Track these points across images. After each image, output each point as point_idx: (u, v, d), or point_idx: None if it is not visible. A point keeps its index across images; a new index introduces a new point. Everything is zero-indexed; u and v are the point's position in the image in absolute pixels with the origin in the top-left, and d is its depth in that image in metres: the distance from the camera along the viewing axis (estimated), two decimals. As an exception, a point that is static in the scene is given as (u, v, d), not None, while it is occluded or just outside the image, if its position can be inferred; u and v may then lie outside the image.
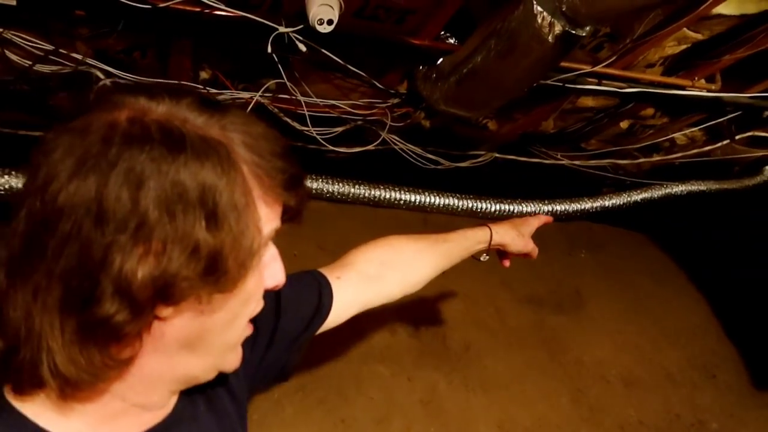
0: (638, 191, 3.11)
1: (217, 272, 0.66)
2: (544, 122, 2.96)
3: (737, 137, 3.03)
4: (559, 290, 2.34)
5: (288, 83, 2.29)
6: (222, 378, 0.88)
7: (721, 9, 2.11)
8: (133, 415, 0.77)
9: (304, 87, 2.42)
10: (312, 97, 2.45)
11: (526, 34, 1.87)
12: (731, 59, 2.34)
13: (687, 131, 3.13)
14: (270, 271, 0.79)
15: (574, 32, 1.82)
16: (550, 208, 2.93)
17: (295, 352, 1.11)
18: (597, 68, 2.29)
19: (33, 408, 0.71)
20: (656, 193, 3.09)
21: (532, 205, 2.90)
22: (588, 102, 2.73)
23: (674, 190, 3.13)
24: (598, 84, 2.46)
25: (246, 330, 0.81)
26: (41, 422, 0.70)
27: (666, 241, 3.04)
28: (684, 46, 2.39)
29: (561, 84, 2.31)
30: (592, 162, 3.28)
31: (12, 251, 0.64)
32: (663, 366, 2.26)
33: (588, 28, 1.82)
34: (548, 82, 2.25)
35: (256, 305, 0.80)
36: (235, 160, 0.66)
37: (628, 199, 3.04)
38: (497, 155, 3.17)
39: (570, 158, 3.25)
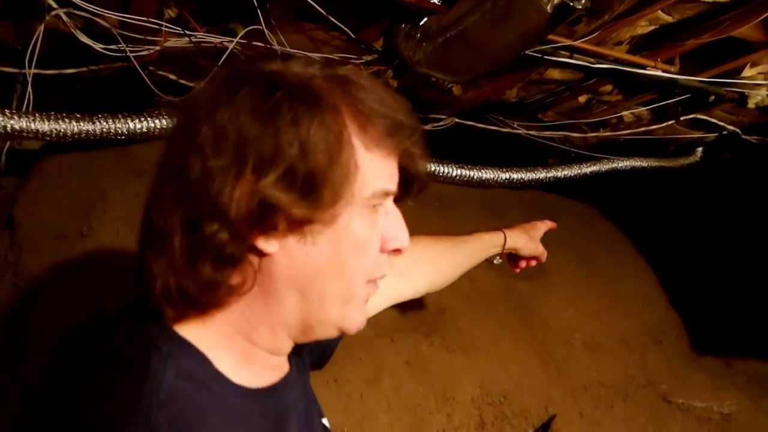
0: (587, 164, 3.23)
1: (311, 195, 0.71)
2: (508, 91, 2.99)
3: (682, 118, 3.19)
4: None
5: (266, 31, 2.17)
6: (299, 348, 0.93)
7: (696, -6, 2.18)
8: (264, 360, 0.84)
9: (279, 36, 2.30)
10: (286, 47, 2.34)
11: (524, 2, 1.86)
12: (695, 44, 2.44)
13: (635, 110, 3.27)
14: (390, 231, 0.82)
15: (572, 4, 1.83)
16: (508, 176, 3.00)
17: (334, 341, 1.14)
18: (578, 42, 2.32)
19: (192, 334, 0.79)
20: (603, 166, 3.23)
21: (490, 172, 2.95)
22: (555, 74, 2.78)
23: (619, 164, 3.28)
24: (570, 57, 2.50)
25: (368, 288, 0.83)
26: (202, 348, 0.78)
27: (613, 214, 3.18)
28: (653, 27, 2.47)
29: (540, 55, 2.32)
30: (546, 133, 3.36)
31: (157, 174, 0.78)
32: (619, 331, 2.41)
33: (584, 1, 1.84)
34: (528, 51, 2.26)
35: (376, 265, 0.81)
36: (331, 98, 0.74)
37: (579, 171, 3.16)
38: (457, 120, 3.18)
39: (526, 128, 3.32)
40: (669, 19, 2.41)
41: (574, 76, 2.77)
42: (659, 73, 2.65)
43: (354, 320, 0.84)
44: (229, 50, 2.22)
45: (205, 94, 0.77)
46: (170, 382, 0.72)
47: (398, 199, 0.86)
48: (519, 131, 3.29)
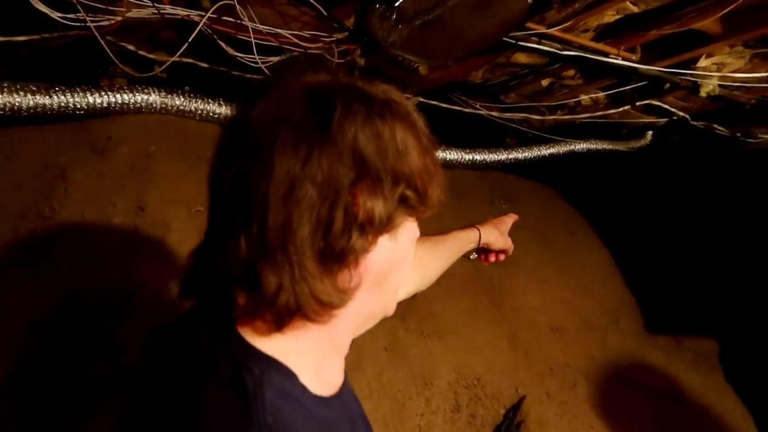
0: (546, 146, 3.29)
1: (426, 197, 0.79)
2: (475, 72, 3.00)
3: (637, 104, 3.29)
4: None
5: (237, 5, 2.09)
6: None
7: (664, -13, 2.23)
8: (332, 365, 0.86)
9: (249, 11, 2.22)
10: (256, 23, 2.27)
11: (506, -9, 1.86)
12: (657, 34, 2.51)
13: (593, 94, 3.34)
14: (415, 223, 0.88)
15: (551, -5, 1.84)
16: (471, 157, 3.02)
17: None
18: (552, 30, 2.34)
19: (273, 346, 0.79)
20: (561, 149, 3.29)
21: (455, 153, 2.96)
22: (521, 58, 2.80)
23: (576, 147, 3.35)
24: (539, 43, 2.52)
25: (404, 278, 0.89)
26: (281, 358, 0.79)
27: (571, 196, 3.27)
28: (619, 16, 2.52)
29: (514, 41, 2.33)
30: (507, 114, 3.40)
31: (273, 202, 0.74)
32: (580, 313, 2.50)
33: (563, -8, 1.85)
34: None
35: (412, 254, 0.88)
36: (409, 112, 0.81)
37: (538, 153, 3.21)
38: (422, 99, 3.17)
39: (488, 109, 3.35)
40: (635, 9, 2.46)
41: (540, 60, 2.79)
42: (621, 61, 2.71)
43: (394, 307, 0.91)
44: (199, 26, 2.13)
45: (295, 112, 0.76)
46: (271, 403, 0.74)
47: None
48: (481, 112, 3.31)
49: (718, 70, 2.95)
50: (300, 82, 0.80)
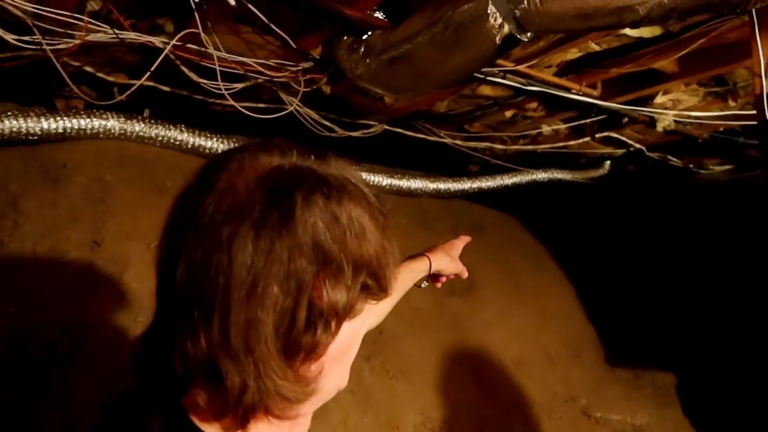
0: (509, 175, 3.32)
1: (385, 284, 0.79)
2: (440, 102, 3.02)
3: (597, 136, 3.37)
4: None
5: (203, 33, 2.05)
6: None
7: (625, 30, 2.29)
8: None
9: (214, 38, 2.18)
10: (221, 50, 2.23)
11: (475, 31, 1.87)
12: (617, 72, 2.57)
13: (554, 126, 3.41)
14: None
15: (518, 36, 1.86)
16: (435, 186, 3.03)
17: None
18: (520, 68, 2.37)
19: None
20: (524, 178, 3.33)
21: (419, 182, 2.96)
22: (486, 91, 2.83)
23: (538, 176, 3.40)
24: (504, 78, 2.55)
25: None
26: None
27: (535, 227, 3.31)
28: (581, 54, 2.57)
29: (483, 76, 2.36)
30: (471, 143, 3.43)
31: (225, 295, 0.71)
32: (543, 347, 2.51)
33: (530, 35, 1.88)
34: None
35: (367, 322, 0.93)
36: (363, 192, 0.79)
37: (501, 182, 3.24)
38: (387, 127, 3.18)
39: (452, 137, 3.37)
40: (597, 48, 2.52)
41: (504, 93, 2.83)
42: (583, 97, 2.77)
43: (346, 381, 0.88)
44: (163, 54, 2.07)
45: (254, 208, 0.73)
46: None
47: None
48: (445, 140, 3.34)
49: (673, 107, 3.04)
50: (254, 167, 0.76)
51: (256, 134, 3.00)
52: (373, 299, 0.81)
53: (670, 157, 3.90)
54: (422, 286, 1.55)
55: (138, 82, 2.16)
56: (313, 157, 0.79)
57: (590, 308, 2.92)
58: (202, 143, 2.45)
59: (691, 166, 4.02)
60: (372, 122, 3.13)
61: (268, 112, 2.64)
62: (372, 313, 1.36)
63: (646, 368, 2.79)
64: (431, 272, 1.53)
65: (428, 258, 1.52)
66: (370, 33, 2.17)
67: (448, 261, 1.55)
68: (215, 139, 2.50)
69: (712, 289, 3.50)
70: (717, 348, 3.10)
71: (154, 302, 0.78)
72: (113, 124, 2.25)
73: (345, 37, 2.24)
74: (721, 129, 3.38)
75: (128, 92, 2.14)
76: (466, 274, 1.60)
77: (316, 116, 2.79)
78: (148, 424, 0.77)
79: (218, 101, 2.75)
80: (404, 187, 2.89)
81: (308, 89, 2.55)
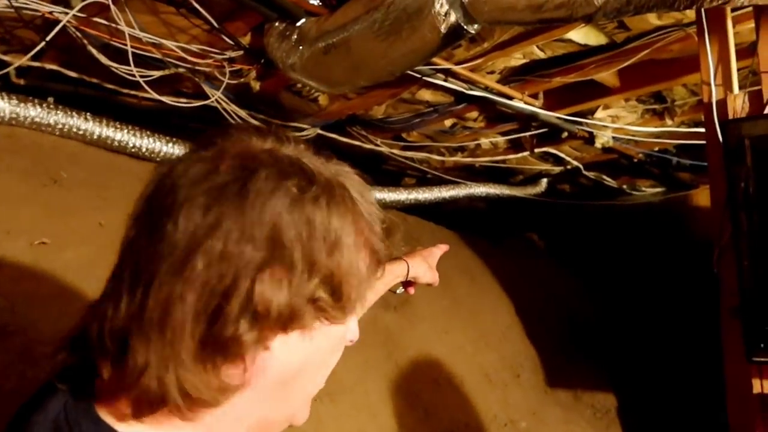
0: (446, 188, 3.23)
1: (342, 298, 0.71)
2: (377, 106, 2.89)
3: (535, 150, 3.32)
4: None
5: (113, 6, 1.81)
6: None
7: (571, 34, 2.23)
8: None
9: (129, 15, 1.95)
10: (135, 28, 1.99)
11: (418, 18, 1.74)
12: (560, 81, 2.51)
13: (493, 138, 3.34)
14: (353, 324, 0.80)
15: (465, 27, 1.74)
16: (370, 196, 2.86)
17: None
18: (459, 68, 2.26)
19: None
20: (461, 191, 3.24)
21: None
22: (426, 95, 2.72)
23: (476, 190, 3.32)
24: (446, 80, 2.45)
25: (322, 384, 0.80)
26: None
27: (473, 242, 3.21)
28: (525, 60, 2.50)
29: (419, 75, 2.23)
30: (408, 153, 3.32)
31: (154, 262, 0.68)
32: (482, 367, 2.38)
33: (477, 26, 1.76)
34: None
35: (337, 358, 0.80)
36: (355, 201, 0.73)
37: (438, 194, 3.14)
38: (320, 131, 3.02)
39: (389, 146, 3.25)
40: (541, 55, 2.45)
41: (445, 99, 2.73)
42: (524, 105, 2.70)
43: (305, 417, 0.82)
44: (62, 23, 1.82)
45: (241, 169, 0.70)
46: None
47: None
48: (382, 149, 3.21)
49: (612, 122, 3.03)
50: (242, 145, 0.73)
51: (175, 132, 2.75)
52: (325, 318, 0.73)
53: (605, 176, 3.93)
54: (397, 292, 1.47)
55: (28, 56, 1.89)
56: (311, 152, 0.76)
57: (529, 326, 2.84)
58: (111, 134, 2.18)
59: (625, 186, 4.06)
60: (304, 125, 2.97)
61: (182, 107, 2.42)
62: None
63: (586, 389, 2.71)
64: (408, 278, 1.44)
65: (407, 263, 1.43)
66: (304, 19, 2.00)
67: (425, 268, 1.48)
68: (126, 130, 2.24)
69: (651, 308, 3.50)
70: (658, 367, 3.07)
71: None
72: (3, 106, 1.96)
73: (276, 23, 2.06)
74: (656, 149, 3.42)
75: (15, 65, 1.86)
76: (437, 282, 1.53)
77: (243, 113, 2.59)
78: (47, 404, 0.73)
79: (133, 92, 2.52)
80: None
81: (235, 81, 2.35)
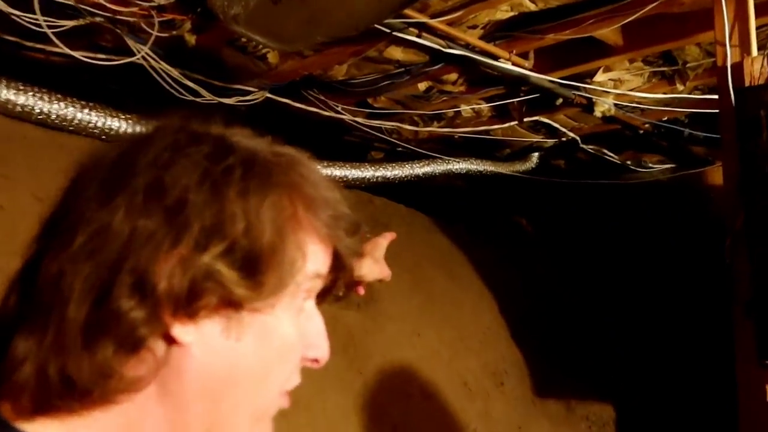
0: (420, 164, 3.27)
1: (255, 276, 0.72)
2: (338, 66, 2.90)
3: (525, 119, 3.37)
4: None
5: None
6: None
7: (566, -18, 2.27)
8: None
9: (33, -48, 1.93)
10: (41, -30, 1.97)
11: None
12: (554, 39, 2.56)
13: (476, 105, 3.38)
14: (312, 337, 0.82)
15: (441, -27, 1.77)
16: (330, 173, 2.92)
17: None
18: (435, 22, 2.29)
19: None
20: (438, 168, 3.28)
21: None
22: (396, 54, 2.75)
23: (454, 166, 3.37)
24: (419, 36, 2.47)
25: (281, 402, 0.81)
26: None
27: (451, 228, 3.26)
28: (513, 13, 2.53)
29: (389, 30, 2.26)
30: (375, 122, 3.34)
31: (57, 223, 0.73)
32: (460, 374, 2.44)
33: (456, -27, 1.79)
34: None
35: (293, 374, 0.81)
36: (284, 176, 0.77)
37: (411, 171, 3.18)
38: (270, 95, 3.02)
39: (351, 113, 3.26)
40: (532, 6, 2.49)
41: (419, 58, 2.76)
42: (512, 67, 2.74)
43: None
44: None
45: (142, 142, 0.77)
46: None
47: (319, 301, 0.88)
48: (344, 116, 3.22)
49: (614, 87, 3.09)
50: (173, 125, 0.80)
51: (95, 95, 2.73)
52: (237, 302, 0.74)
53: (606, 151, 4.01)
54: (340, 294, 1.47)
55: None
56: (256, 136, 0.82)
57: (515, 327, 2.91)
58: (12, 98, 2.17)
59: (629, 162, 4.15)
60: (251, 88, 2.97)
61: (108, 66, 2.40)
62: None
63: (580, 399, 2.79)
64: (350, 279, 1.46)
65: None
66: (250, -38, 2.00)
67: (370, 264, 1.49)
68: (31, 93, 2.23)
69: (656, 305, 3.60)
70: (662, 374, 3.17)
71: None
72: None
73: (216, -35, 2.05)
74: (665, 118, 3.50)
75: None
76: (389, 277, 1.54)
77: (175, 73, 2.58)
78: None
79: (39, 46, 2.49)
80: (330, 177, 2.73)
81: (165, 34, 2.36)
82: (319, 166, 2.76)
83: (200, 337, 0.74)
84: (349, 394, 2.13)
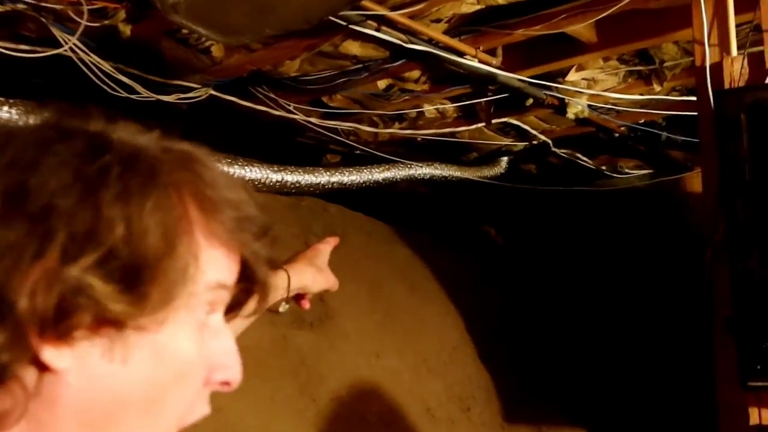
0: (380, 168, 3.28)
1: (136, 289, 0.69)
2: (289, 61, 2.88)
3: (493, 121, 3.40)
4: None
5: None
6: None
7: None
8: None
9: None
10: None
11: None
12: (524, 35, 2.58)
13: (441, 105, 3.40)
14: (219, 358, 0.78)
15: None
16: (281, 178, 2.90)
17: None
18: (395, 14, 2.30)
19: None
20: (399, 173, 3.29)
21: (258, 171, 2.81)
22: (353, 48, 2.75)
23: (417, 171, 3.39)
24: (378, 30, 2.47)
25: None
26: None
27: (413, 237, 3.26)
28: (480, 6, 2.55)
29: (345, 23, 2.25)
30: (330, 122, 3.33)
31: None
32: (423, 399, 2.44)
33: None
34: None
35: (196, 402, 0.77)
36: (171, 175, 0.74)
37: (370, 176, 3.18)
38: (214, 92, 2.99)
39: (305, 112, 3.25)
40: (500, 0, 2.50)
41: (378, 53, 2.76)
42: (479, 64, 2.76)
43: None
44: None
45: (2, 140, 0.73)
46: None
47: (228, 313, 0.84)
48: (296, 116, 3.21)
49: (588, 87, 3.13)
50: (53, 121, 0.76)
51: (16, 90, 2.67)
52: (118, 320, 0.70)
53: (579, 155, 4.06)
54: (281, 310, 1.45)
55: None
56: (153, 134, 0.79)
57: (483, 345, 2.91)
58: None
59: (604, 168, 4.21)
60: (193, 84, 2.94)
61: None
62: None
63: (552, 424, 2.80)
64: (291, 291, 1.42)
65: (286, 272, 1.42)
66: (191, -55, 1.98)
67: (313, 273, 1.47)
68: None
69: (634, 321, 3.65)
70: (640, 396, 3.20)
71: None
72: None
73: (153, -52, 2.03)
74: (642, 121, 3.56)
75: None
76: (336, 286, 1.52)
77: (107, 67, 2.54)
78: None
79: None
80: (237, 176, 2.71)
81: (96, 24, 2.31)
82: (267, 169, 2.75)
83: (78, 362, 0.70)
84: (301, 423, 2.11)
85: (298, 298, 1.57)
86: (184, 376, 0.75)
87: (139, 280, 0.69)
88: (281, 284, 1.40)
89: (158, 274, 0.70)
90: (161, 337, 0.72)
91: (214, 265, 0.76)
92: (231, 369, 0.80)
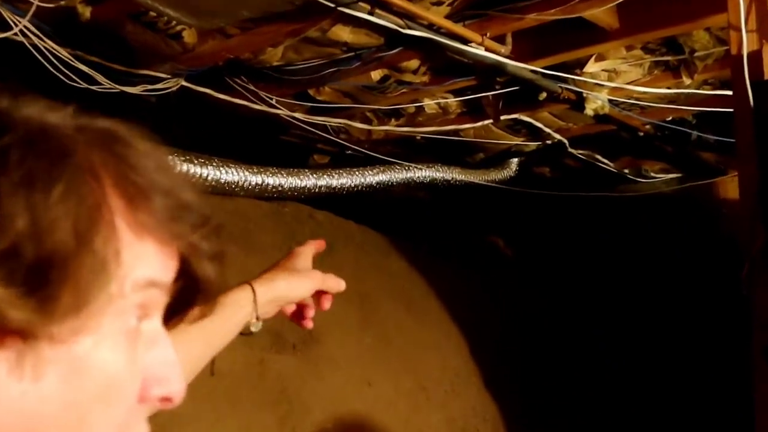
0: (373, 170, 3.27)
1: (43, 292, 0.66)
2: (271, 49, 2.88)
3: (502, 117, 3.38)
4: (278, 313, 2.33)
5: None
6: None
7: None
8: None
9: None
10: None
11: None
12: (537, 20, 2.57)
13: (442, 99, 3.39)
14: (156, 369, 0.76)
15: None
16: (261, 180, 2.89)
17: None
18: (394, -4, 2.28)
19: None
20: (396, 176, 3.28)
21: (234, 173, 2.80)
22: (344, 34, 2.74)
23: (416, 174, 3.38)
24: (371, 13, 2.46)
25: None
26: None
27: (411, 249, 3.25)
28: (486, -12, 2.54)
29: (334, 5, 2.25)
30: (317, 118, 3.33)
31: None
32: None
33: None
34: (318, -4, 2.17)
35: (130, 421, 0.74)
36: (87, 157, 0.71)
37: (362, 180, 3.17)
38: (185, 83, 2.99)
39: (288, 106, 3.24)
40: (510, -21, 2.49)
41: (371, 40, 2.76)
42: (486, 53, 2.74)
43: None
44: None
45: None
46: None
47: (170, 319, 0.81)
48: (279, 110, 3.20)
49: (609, 80, 3.11)
50: None
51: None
52: (19, 328, 0.68)
53: (599, 156, 4.04)
54: (252, 329, 1.39)
55: None
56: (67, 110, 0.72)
57: (489, 372, 2.89)
58: None
59: (627, 171, 4.19)
60: (162, 74, 2.93)
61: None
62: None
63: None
64: (262, 307, 1.37)
65: (249, 285, 1.37)
66: None
67: (288, 280, 1.42)
68: None
69: (659, 342, 3.62)
70: (669, 423, 3.17)
71: None
72: None
73: None
74: (669, 118, 3.54)
75: None
76: (341, 286, 1.44)
77: (64, 54, 2.53)
78: None
79: None
80: (211, 179, 2.72)
81: (51, 5, 2.31)
82: (246, 171, 2.69)
83: None
84: (279, 460, 2.09)
85: (298, 316, 1.55)
86: (110, 393, 0.73)
87: (46, 282, 0.66)
88: (245, 301, 1.37)
89: (68, 273, 0.67)
90: (80, 348, 0.70)
91: (143, 261, 0.74)
92: (170, 382, 0.77)
